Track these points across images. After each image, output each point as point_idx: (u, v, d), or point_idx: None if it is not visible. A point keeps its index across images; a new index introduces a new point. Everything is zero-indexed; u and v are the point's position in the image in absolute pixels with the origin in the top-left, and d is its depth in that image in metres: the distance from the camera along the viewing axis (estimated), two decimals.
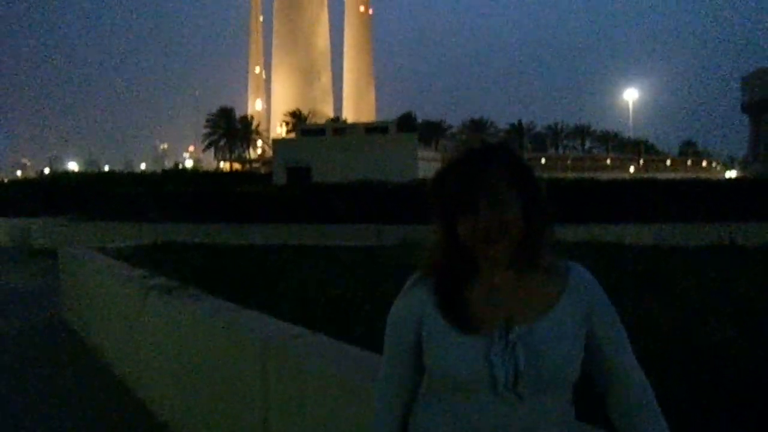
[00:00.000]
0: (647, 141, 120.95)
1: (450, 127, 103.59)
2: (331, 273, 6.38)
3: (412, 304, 1.35)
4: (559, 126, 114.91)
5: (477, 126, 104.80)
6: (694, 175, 58.57)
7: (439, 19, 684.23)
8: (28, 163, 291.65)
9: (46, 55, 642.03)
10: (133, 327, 5.64)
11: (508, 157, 1.28)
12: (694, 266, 6.34)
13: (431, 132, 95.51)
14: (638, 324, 3.02)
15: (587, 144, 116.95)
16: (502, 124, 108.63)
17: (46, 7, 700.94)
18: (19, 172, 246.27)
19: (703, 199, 15.43)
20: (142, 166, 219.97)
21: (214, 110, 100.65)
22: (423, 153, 42.10)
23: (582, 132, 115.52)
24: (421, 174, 35.75)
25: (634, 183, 18.96)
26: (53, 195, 29.22)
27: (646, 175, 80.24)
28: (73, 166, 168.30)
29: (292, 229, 16.25)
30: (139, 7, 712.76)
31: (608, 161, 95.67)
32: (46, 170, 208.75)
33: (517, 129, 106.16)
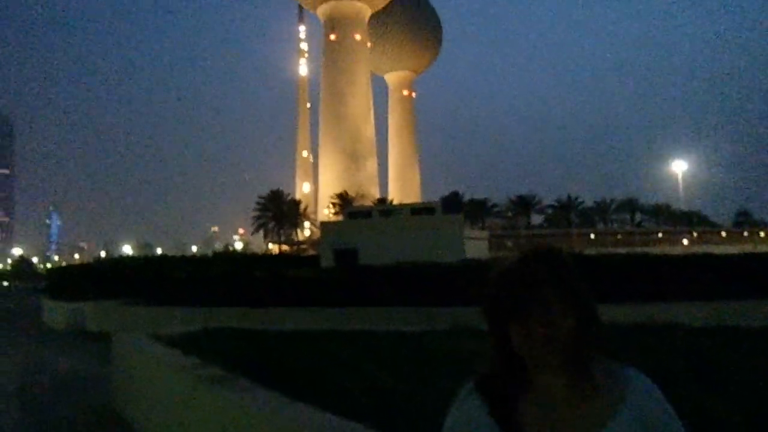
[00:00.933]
0: (700, 212, 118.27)
1: (495, 205, 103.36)
2: (382, 362, 6.30)
3: (466, 417, 1.31)
4: (606, 200, 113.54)
5: (523, 202, 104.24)
6: (751, 248, 56.79)
7: (481, 97, 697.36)
8: (85, 247, 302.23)
9: (99, 145, 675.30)
10: (183, 419, 5.62)
11: (559, 264, 1.27)
12: (757, 349, 6.01)
13: (477, 210, 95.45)
14: (699, 428, 2.84)
15: (637, 217, 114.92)
16: (549, 199, 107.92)
17: (99, 99, 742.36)
18: (76, 256, 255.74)
19: (765, 274, 14.79)
20: (194, 248, 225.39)
21: (263, 193, 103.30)
22: (470, 232, 42.09)
23: (631, 205, 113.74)
24: (468, 254, 35.55)
25: (688, 258, 18.38)
26: (108, 279, 30.05)
27: (700, 249, 78.19)
28: (127, 249, 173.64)
29: (339, 312, 16.22)
30: (189, 95, 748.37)
31: (659, 234, 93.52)
32: (102, 253, 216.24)
33: (564, 204, 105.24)
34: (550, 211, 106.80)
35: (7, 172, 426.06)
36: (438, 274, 17.56)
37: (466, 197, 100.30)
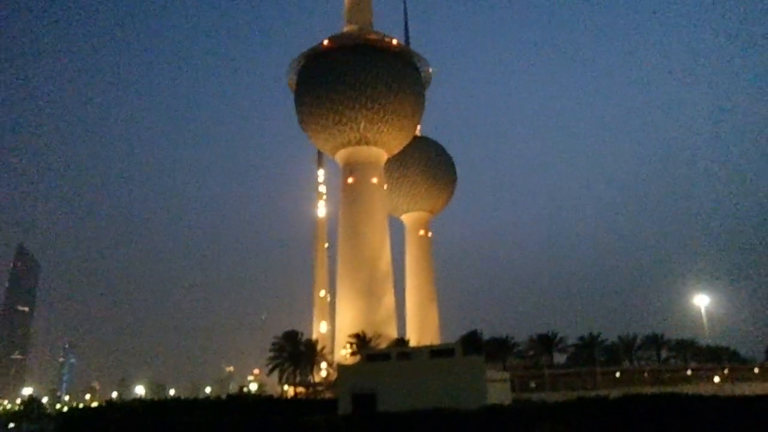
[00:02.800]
0: (728, 347, 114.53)
1: (516, 343, 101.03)
2: None
3: None
4: (630, 336, 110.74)
5: (544, 341, 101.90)
6: None
7: (498, 235, 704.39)
8: (97, 387, 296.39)
9: (119, 283, 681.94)
10: None
11: None
12: None
13: (498, 349, 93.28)
14: None
15: (663, 354, 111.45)
16: (572, 337, 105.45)
17: (120, 237, 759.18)
18: (88, 396, 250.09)
19: None
20: (208, 389, 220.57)
21: (279, 333, 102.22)
22: (491, 374, 40.84)
23: (656, 341, 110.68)
24: (490, 398, 34.28)
25: (722, 399, 17.54)
26: (117, 425, 29.22)
27: (733, 387, 74.86)
28: (140, 389, 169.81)
29: None
30: (208, 235, 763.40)
31: (689, 372, 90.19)
32: (114, 394, 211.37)
33: (587, 342, 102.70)
34: (573, 349, 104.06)
35: (26, 309, 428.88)
36: (461, 422, 16.87)
37: (486, 336, 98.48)
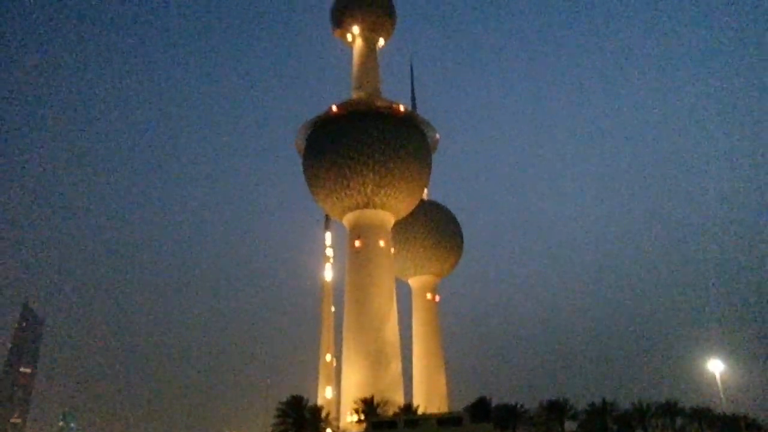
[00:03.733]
0: (746, 415, 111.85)
1: (526, 410, 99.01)
2: None
3: None
4: (644, 404, 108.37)
5: (555, 408, 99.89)
6: None
7: (507, 299, 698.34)
8: None
9: (121, 343, 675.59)
10: None
11: None
12: None
13: (507, 416, 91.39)
14: None
15: (678, 422, 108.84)
16: (583, 404, 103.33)
17: (126, 299, 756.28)
18: None
19: None
20: None
21: (284, 398, 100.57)
22: None
23: (670, 409, 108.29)
24: None
25: None
26: None
27: None
28: None
29: None
30: (210, 297, 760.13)
31: None
32: None
33: (599, 409, 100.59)
34: (584, 416, 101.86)
35: (28, 371, 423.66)
36: None
37: (495, 402, 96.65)
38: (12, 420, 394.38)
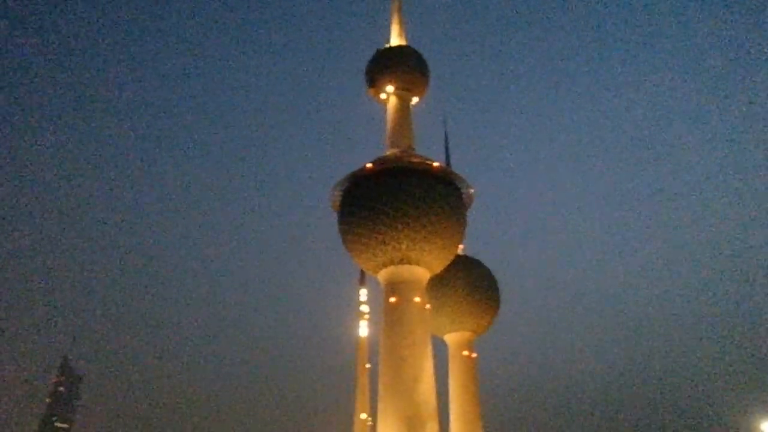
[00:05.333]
0: None
1: None
2: None
3: None
4: None
5: None
6: None
7: (547, 356, 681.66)
8: None
9: (158, 399, 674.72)
10: None
11: None
12: None
13: None
14: None
15: None
16: None
17: (164, 356, 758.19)
18: None
19: None
20: None
21: None
22: None
23: None
24: None
25: None
26: None
27: None
28: None
29: None
30: (246, 357, 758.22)
31: None
32: None
33: None
34: None
35: (65, 426, 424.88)
36: None
37: None
38: None
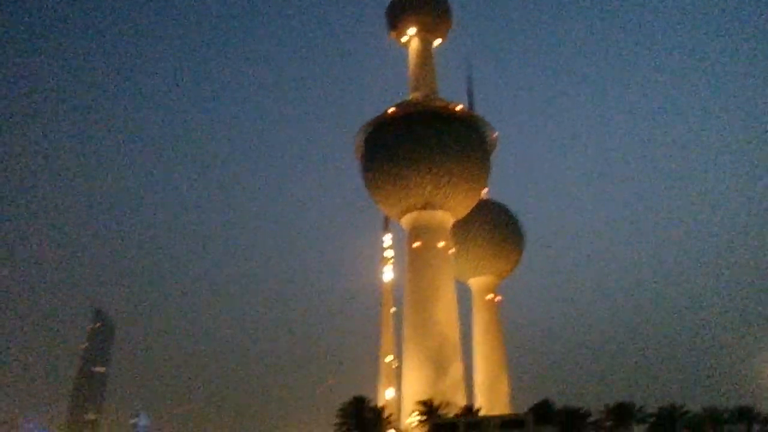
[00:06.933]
0: None
1: (590, 414, 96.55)
2: None
3: None
4: (718, 408, 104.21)
5: (621, 411, 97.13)
6: None
7: (570, 299, 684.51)
8: None
9: (189, 347, 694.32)
10: None
11: None
12: None
13: (571, 420, 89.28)
14: None
15: (754, 428, 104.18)
16: (651, 407, 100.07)
17: (192, 305, 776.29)
18: None
19: None
20: None
21: (345, 399, 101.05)
22: None
23: (746, 414, 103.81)
24: None
25: None
26: None
27: None
28: None
29: None
30: (271, 301, 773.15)
31: None
32: None
33: (669, 413, 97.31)
34: (652, 420, 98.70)
35: (102, 370, 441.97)
36: None
37: (558, 405, 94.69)
38: (87, 417, 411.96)
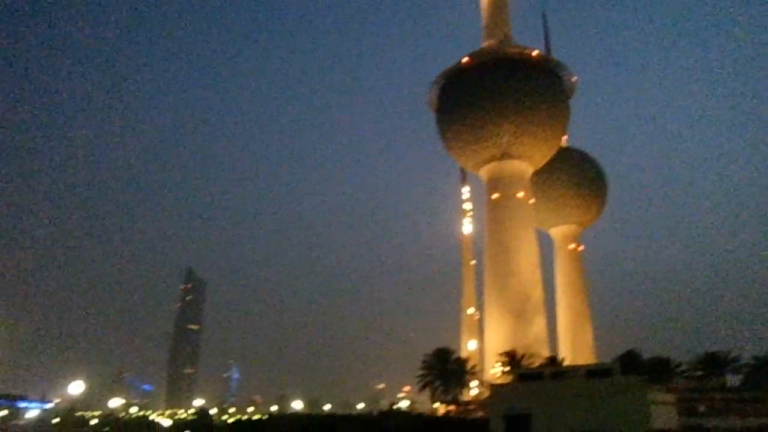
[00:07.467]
0: None
1: (680, 364, 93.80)
2: None
3: None
4: None
5: (713, 360, 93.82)
6: None
7: (657, 246, 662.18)
8: (259, 400, 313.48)
9: (278, 305, 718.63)
10: None
11: None
12: None
13: (659, 370, 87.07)
14: None
15: None
16: (746, 356, 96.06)
17: (280, 266, 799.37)
18: (251, 409, 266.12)
19: None
20: (360, 405, 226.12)
21: (428, 351, 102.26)
22: (654, 396, 37.99)
23: None
24: (654, 423, 31.99)
25: None
26: None
27: None
28: (297, 404, 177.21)
29: None
30: (356, 257, 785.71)
31: None
32: (274, 408, 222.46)
33: (765, 362, 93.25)
34: (748, 369, 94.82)
35: (196, 327, 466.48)
36: None
37: (646, 356, 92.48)
38: (185, 371, 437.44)
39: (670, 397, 41.96)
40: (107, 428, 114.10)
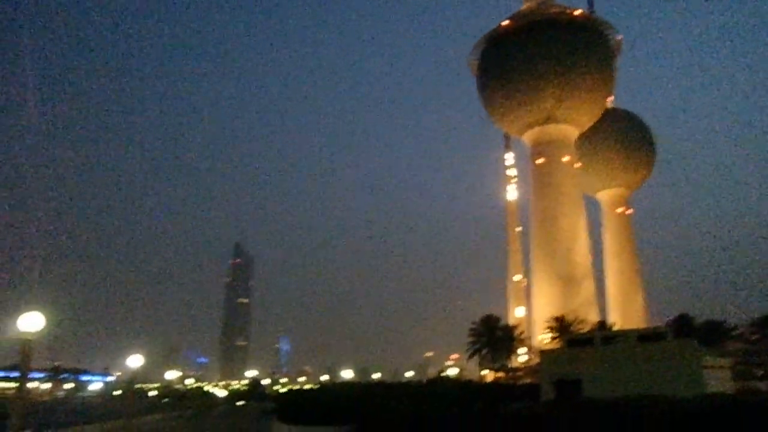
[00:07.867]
0: None
1: (735, 327, 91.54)
2: None
3: None
4: None
5: None
6: None
7: (708, 208, 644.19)
8: (309, 370, 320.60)
9: (326, 277, 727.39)
10: None
11: None
12: None
13: (713, 334, 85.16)
14: None
15: None
16: None
17: (328, 238, 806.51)
18: (302, 379, 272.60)
19: None
20: (408, 374, 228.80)
21: (475, 318, 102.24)
22: (708, 360, 37.15)
23: None
24: (708, 387, 31.32)
25: None
26: (331, 405, 31.09)
27: None
28: (347, 374, 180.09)
29: None
30: (402, 228, 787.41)
31: None
32: (324, 377, 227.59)
33: None
34: None
35: (246, 301, 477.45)
36: (679, 414, 15.45)
37: (699, 319, 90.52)
38: (238, 343, 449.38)
39: (724, 361, 40.97)
40: (167, 399, 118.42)
